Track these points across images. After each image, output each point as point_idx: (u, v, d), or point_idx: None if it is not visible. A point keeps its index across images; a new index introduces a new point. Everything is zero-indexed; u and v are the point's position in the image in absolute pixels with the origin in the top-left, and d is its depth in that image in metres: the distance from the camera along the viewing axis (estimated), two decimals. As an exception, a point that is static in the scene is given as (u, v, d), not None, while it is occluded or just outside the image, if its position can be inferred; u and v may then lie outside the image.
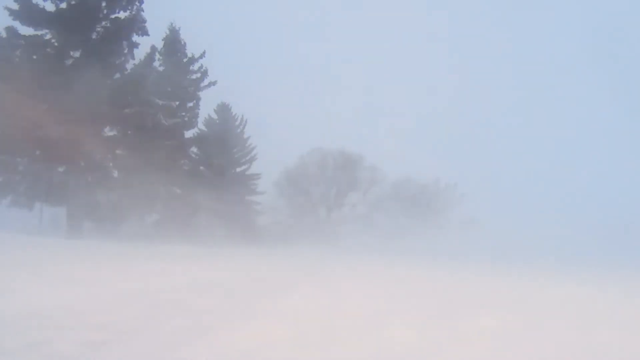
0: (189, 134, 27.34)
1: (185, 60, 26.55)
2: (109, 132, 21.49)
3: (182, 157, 26.02)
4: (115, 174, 21.95)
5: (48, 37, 19.81)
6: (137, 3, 20.95)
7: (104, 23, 20.63)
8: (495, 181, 44.19)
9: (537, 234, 36.56)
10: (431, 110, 60.44)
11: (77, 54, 20.17)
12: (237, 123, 32.02)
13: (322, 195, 41.24)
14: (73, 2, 19.79)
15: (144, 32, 21.14)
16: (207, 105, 28.72)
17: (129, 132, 21.43)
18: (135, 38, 21.05)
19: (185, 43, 26.63)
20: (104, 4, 20.54)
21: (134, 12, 20.76)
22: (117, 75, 20.94)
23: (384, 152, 45.48)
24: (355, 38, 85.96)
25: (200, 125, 29.49)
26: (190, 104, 26.67)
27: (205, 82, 26.67)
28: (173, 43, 26.44)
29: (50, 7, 19.67)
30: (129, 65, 21.12)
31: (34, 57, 19.47)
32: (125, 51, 20.91)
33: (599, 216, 40.18)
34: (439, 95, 67.03)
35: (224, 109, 31.54)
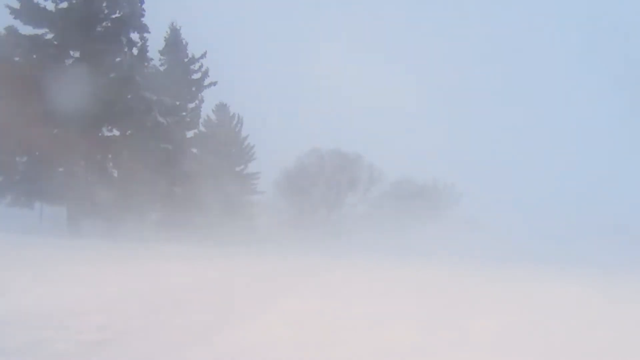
0: (189, 134, 27.37)
1: (186, 60, 26.56)
2: (108, 131, 21.46)
3: (182, 156, 26.00)
4: (115, 174, 21.91)
5: (48, 36, 19.79)
6: (137, 3, 20.91)
7: (104, 23, 20.60)
8: (495, 181, 44.24)
9: (537, 234, 36.60)
10: (431, 110, 60.46)
11: (77, 54, 20.15)
12: (235, 123, 32.06)
13: (322, 195, 41.28)
14: (74, 2, 19.77)
15: (145, 31, 21.10)
16: (206, 105, 28.80)
17: (129, 131, 21.41)
18: (135, 37, 21.03)
19: (186, 43, 26.65)
20: (104, 3, 20.51)
21: (133, 11, 20.70)
22: (117, 74, 20.88)
23: (383, 152, 45.55)
24: (354, 38, 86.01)
25: (200, 125, 29.54)
26: (192, 105, 26.70)
27: (206, 82, 26.71)
28: (174, 43, 26.44)
29: (50, 7, 19.67)
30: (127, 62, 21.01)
31: (34, 56, 19.45)
32: (125, 50, 20.88)
33: (599, 215, 40.21)
34: (438, 94, 67.04)
35: (222, 109, 31.56)
